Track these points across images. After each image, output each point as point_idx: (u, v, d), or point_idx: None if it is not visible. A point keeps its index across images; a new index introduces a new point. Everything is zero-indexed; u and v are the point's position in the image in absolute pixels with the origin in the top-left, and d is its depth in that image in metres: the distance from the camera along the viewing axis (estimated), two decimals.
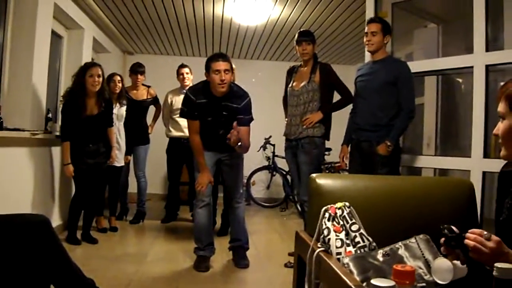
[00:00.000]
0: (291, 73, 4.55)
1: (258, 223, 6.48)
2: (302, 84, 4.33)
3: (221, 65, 3.80)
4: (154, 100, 6.07)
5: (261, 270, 4.19)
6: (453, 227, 1.50)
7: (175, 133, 5.96)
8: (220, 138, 3.96)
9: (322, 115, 4.27)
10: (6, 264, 1.84)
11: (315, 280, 1.88)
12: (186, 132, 5.67)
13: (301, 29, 4.61)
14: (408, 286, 1.21)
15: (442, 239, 1.47)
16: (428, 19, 4.78)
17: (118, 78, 5.29)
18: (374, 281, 1.17)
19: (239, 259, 4.27)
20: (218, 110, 3.96)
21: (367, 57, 4.15)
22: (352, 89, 4.18)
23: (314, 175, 2.27)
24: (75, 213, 4.73)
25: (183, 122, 5.80)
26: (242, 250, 4.33)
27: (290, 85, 4.48)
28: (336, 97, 4.43)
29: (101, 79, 4.59)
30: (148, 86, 6.01)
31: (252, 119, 4.09)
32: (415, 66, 3.91)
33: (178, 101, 5.88)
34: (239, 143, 3.80)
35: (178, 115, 5.83)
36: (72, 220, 4.72)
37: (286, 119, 4.50)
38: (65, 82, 5.52)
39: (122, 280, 3.58)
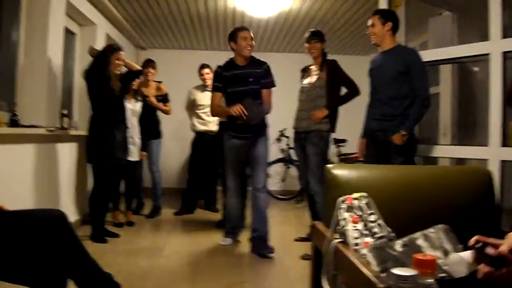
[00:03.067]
0: (304, 71, 4.81)
1: (274, 216, 6.45)
2: (311, 80, 4.58)
3: (247, 33, 4.37)
4: (164, 98, 6.06)
5: (277, 262, 4.18)
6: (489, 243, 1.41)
7: (200, 127, 6.19)
8: (248, 108, 4.23)
9: (327, 111, 4.48)
10: (24, 258, 1.85)
11: (332, 272, 1.87)
12: (211, 127, 5.78)
13: (312, 28, 4.85)
14: (429, 275, 1.20)
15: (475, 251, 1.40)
16: (443, 7, 4.71)
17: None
18: (394, 270, 1.16)
19: (261, 248, 4.35)
20: (244, 79, 4.35)
21: (380, 47, 4.12)
22: (364, 80, 4.15)
23: (329, 165, 2.26)
24: (98, 209, 4.72)
25: (207, 117, 5.92)
26: (262, 240, 4.40)
27: (301, 81, 4.73)
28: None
29: (122, 62, 4.72)
30: (159, 82, 6.02)
31: (273, 83, 4.46)
32: (430, 55, 3.86)
33: (201, 97, 6.15)
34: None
35: (201, 111, 6.07)
36: (95, 217, 4.70)
37: (295, 113, 4.68)
38: (79, 79, 5.54)
39: (139, 274, 3.59)
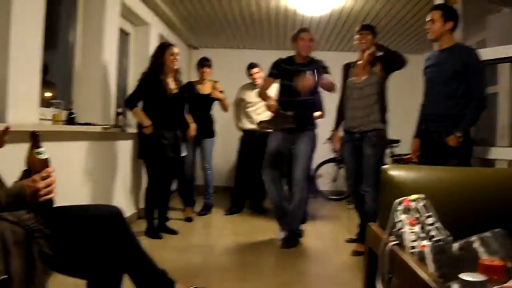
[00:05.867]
0: (348, 68, 4.51)
1: (324, 216, 6.44)
2: (364, 77, 4.29)
3: (306, 34, 4.58)
4: None
5: (328, 263, 4.16)
6: None
7: (248, 125, 6.21)
8: (297, 105, 4.47)
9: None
10: (80, 252, 1.89)
11: (387, 275, 1.84)
12: None
13: (365, 21, 4.87)
14: (496, 281, 1.15)
15: None
16: (502, 4, 4.55)
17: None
18: (464, 276, 1.11)
19: (284, 243, 4.52)
20: (299, 74, 4.36)
21: (435, 45, 4.01)
22: (416, 78, 4.04)
23: (385, 166, 2.22)
24: (152, 205, 4.80)
25: (256, 115, 5.94)
26: (291, 234, 4.57)
27: (349, 79, 4.43)
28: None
29: (179, 57, 4.75)
30: (215, 81, 6.05)
31: (329, 73, 4.57)
32: (488, 54, 3.74)
33: (250, 95, 6.15)
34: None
35: (251, 109, 6.13)
36: (149, 213, 4.78)
37: (347, 112, 4.45)
38: (133, 78, 5.65)
39: (190, 271, 3.63)
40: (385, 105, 4.31)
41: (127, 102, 4.73)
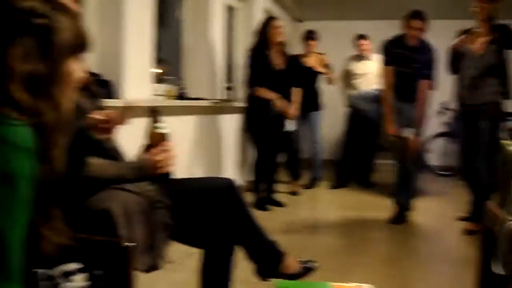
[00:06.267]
0: (463, 35, 4.17)
1: (433, 192, 6.22)
2: (479, 47, 3.99)
3: (415, 22, 4.21)
4: (325, 67, 6.02)
5: (437, 240, 4.04)
6: None
7: None
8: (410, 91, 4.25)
9: None
10: (195, 222, 1.97)
11: (507, 257, 1.74)
12: None
13: None
14: None
15: None
16: None
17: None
18: None
19: (393, 219, 4.35)
20: (409, 60, 4.25)
21: None
22: None
23: (504, 141, 2.09)
24: (260, 178, 4.87)
25: (363, 87, 5.84)
26: (399, 214, 4.40)
27: (466, 47, 4.15)
28: None
29: (283, 30, 4.71)
30: (321, 54, 5.99)
31: (431, 75, 4.27)
32: None
33: (357, 67, 6.06)
34: None
35: (358, 80, 6.02)
36: (257, 185, 4.86)
37: (459, 83, 4.19)
38: (239, 52, 5.74)
39: (297, 244, 3.63)
40: (504, 76, 4.02)
41: (249, 84, 4.75)
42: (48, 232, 1.07)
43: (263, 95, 4.63)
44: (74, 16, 1.08)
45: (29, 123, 0.95)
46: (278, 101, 4.61)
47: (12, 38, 0.96)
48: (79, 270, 1.36)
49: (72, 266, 1.35)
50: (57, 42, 1.02)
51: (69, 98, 1.07)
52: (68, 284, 1.33)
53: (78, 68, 1.10)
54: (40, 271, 1.28)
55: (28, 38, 0.97)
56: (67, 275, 1.33)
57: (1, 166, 0.88)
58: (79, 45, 1.09)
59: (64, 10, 1.05)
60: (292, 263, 2.15)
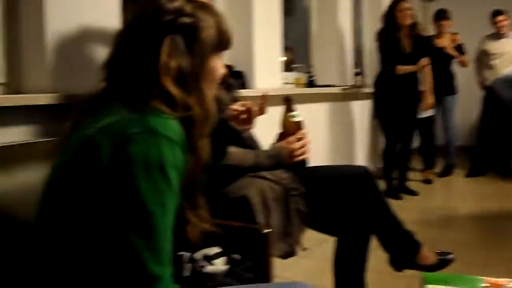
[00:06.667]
0: None
1: None
2: None
3: None
4: (459, 50, 5.69)
5: None
6: None
7: (493, 79, 5.64)
8: None
9: None
10: (331, 211, 1.97)
11: None
12: None
13: None
14: None
15: None
16: None
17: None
18: None
19: None
20: None
21: None
22: None
23: None
24: (390, 165, 4.76)
25: (503, 67, 5.45)
26: None
27: None
28: None
29: (410, 12, 4.52)
30: (455, 33, 5.68)
31: None
32: None
33: (494, 46, 5.69)
34: None
35: (495, 61, 5.64)
36: (387, 173, 4.76)
37: None
38: (367, 38, 5.63)
39: (431, 235, 3.51)
40: None
41: (388, 69, 4.61)
42: (194, 218, 1.14)
43: (403, 72, 4.47)
44: (217, 15, 1.13)
45: (178, 116, 1.01)
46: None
47: (162, 36, 1.04)
48: (220, 254, 1.43)
49: (214, 250, 1.42)
50: (203, 40, 1.08)
51: (212, 93, 1.13)
52: (210, 267, 1.40)
53: (221, 64, 1.15)
54: (185, 254, 1.37)
55: (176, 36, 1.04)
56: (209, 258, 1.40)
57: (154, 157, 0.94)
58: (223, 42, 1.14)
59: (208, 9, 1.12)
60: (428, 255, 2.09)
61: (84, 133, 1.01)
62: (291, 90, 3.87)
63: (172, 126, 0.98)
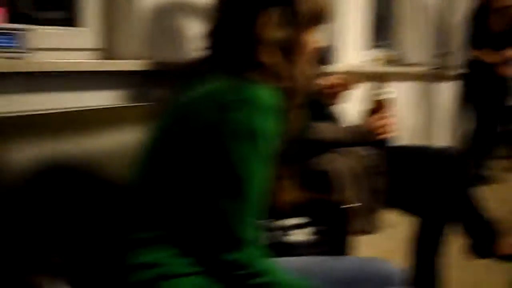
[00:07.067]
0: None
1: None
2: None
3: None
4: None
5: None
6: None
7: None
8: None
9: None
10: (414, 191, 1.96)
11: None
12: None
13: None
14: None
15: None
16: None
17: None
18: None
19: None
20: None
21: None
22: None
23: None
24: (479, 151, 4.60)
25: None
26: None
27: None
28: None
29: None
30: None
31: None
32: None
33: None
34: None
35: None
36: (476, 159, 4.57)
37: None
38: (456, 17, 5.40)
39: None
40: None
41: (468, 49, 4.49)
42: (283, 187, 1.17)
43: (483, 58, 4.31)
44: None
45: (273, 87, 1.03)
46: (501, 66, 4.24)
47: (260, 8, 1.05)
48: (307, 224, 1.46)
49: (301, 220, 1.45)
50: (301, 12, 1.08)
51: (307, 66, 1.14)
52: (292, 236, 1.44)
53: (317, 37, 1.16)
54: (275, 222, 1.41)
55: (274, 8, 1.05)
56: (297, 227, 1.44)
57: (245, 124, 0.97)
58: (321, 15, 1.14)
59: None
60: (510, 244, 2.06)
61: (185, 99, 1.06)
62: (377, 67, 3.82)
63: (267, 96, 1.00)
